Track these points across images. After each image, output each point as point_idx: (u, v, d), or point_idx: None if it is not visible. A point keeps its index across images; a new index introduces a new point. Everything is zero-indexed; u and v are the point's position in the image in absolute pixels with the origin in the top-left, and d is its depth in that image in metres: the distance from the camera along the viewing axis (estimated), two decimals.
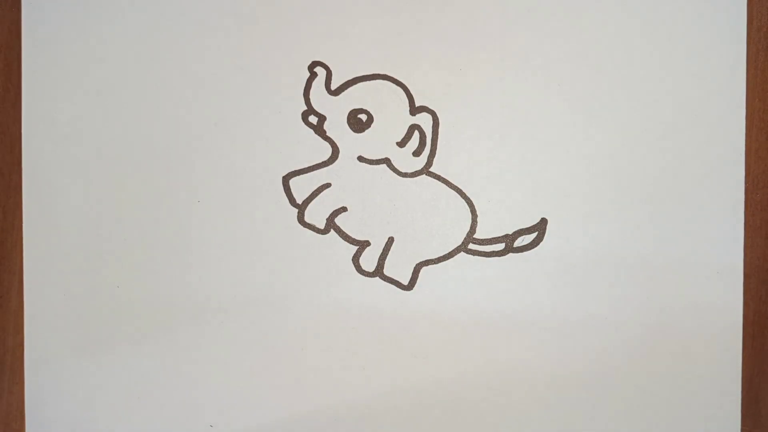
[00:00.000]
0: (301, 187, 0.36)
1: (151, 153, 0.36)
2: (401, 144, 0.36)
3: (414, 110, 0.36)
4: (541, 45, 0.36)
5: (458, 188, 0.36)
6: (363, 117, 0.36)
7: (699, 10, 0.35)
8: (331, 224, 0.36)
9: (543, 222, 0.36)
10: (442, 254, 0.36)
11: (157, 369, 0.37)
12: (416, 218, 0.36)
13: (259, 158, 0.36)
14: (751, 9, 0.36)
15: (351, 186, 0.36)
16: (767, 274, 0.36)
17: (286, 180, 0.36)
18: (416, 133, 0.36)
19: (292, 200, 0.36)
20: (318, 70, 0.36)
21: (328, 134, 0.36)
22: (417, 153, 0.36)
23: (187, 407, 0.37)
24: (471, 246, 0.36)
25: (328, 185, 0.36)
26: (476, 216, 0.36)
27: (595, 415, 0.36)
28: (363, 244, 0.36)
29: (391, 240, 0.36)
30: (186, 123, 0.36)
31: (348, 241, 0.36)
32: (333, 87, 0.36)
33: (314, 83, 0.36)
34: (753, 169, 0.36)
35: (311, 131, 0.36)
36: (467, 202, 0.36)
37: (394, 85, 0.36)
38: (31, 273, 0.37)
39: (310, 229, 0.36)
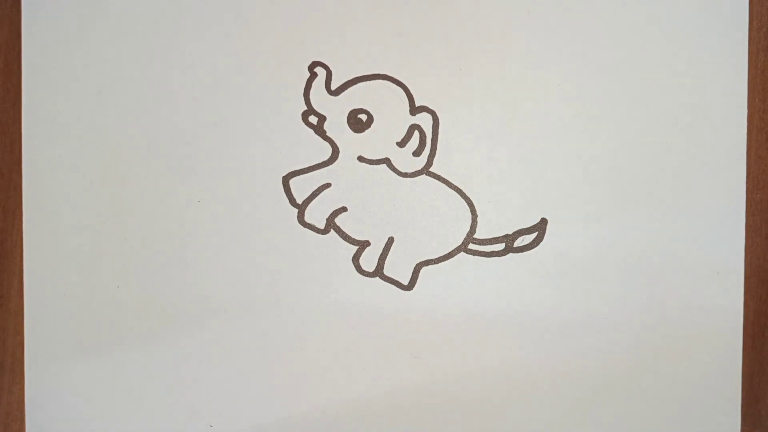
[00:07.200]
0: (301, 187, 0.36)
1: (151, 153, 0.36)
2: (401, 144, 0.36)
3: (414, 110, 0.36)
4: (541, 45, 0.36)
5: (458, 188, 0.36)
6: (363, 117, 0.36)
7: (699, 10, 0.35)
8: (331, 224, 0.36)
9: (543, 222, 0.36)
10: (442, 254, 0.36)
11: (157, 369, 0.37)
12: (416, 218, 0.36)
13: (259, 158, 0.36)
14: (751, 9, 0.36)
15: (351, 186, 0.36)
16: (767, 274, 0.36)
17: (286, 180, 0.36)
18: (416, 133, 0.36)
19: (292, 200, 0.36)
20: (318, 70, 0.36)
21: (328, 134, 0.36)
22: (417, 153, 0.36)
23: (187, 407, 0.37)
24: (471, 246, 0.36)
25: (328, 185, 0.36)
26: (476, 216, 0.36)
27: (595, 415, 0.36)
28: (363, 244, 0.36)
29: (391, 240, 0.36)
30: (186, 123, 0.36)
31: (348, 241, 0.36)
32: (333, 87, 0.36)
33: (314, 83, 0.36)
34: (753, 169, 0.36)
35: (311, 131, 0.36)
36: (467, 202, 0.36)
37: (394, 85, 0.36)
38: (31, 273, 0.37)
39: (310, 229, 0.36)
